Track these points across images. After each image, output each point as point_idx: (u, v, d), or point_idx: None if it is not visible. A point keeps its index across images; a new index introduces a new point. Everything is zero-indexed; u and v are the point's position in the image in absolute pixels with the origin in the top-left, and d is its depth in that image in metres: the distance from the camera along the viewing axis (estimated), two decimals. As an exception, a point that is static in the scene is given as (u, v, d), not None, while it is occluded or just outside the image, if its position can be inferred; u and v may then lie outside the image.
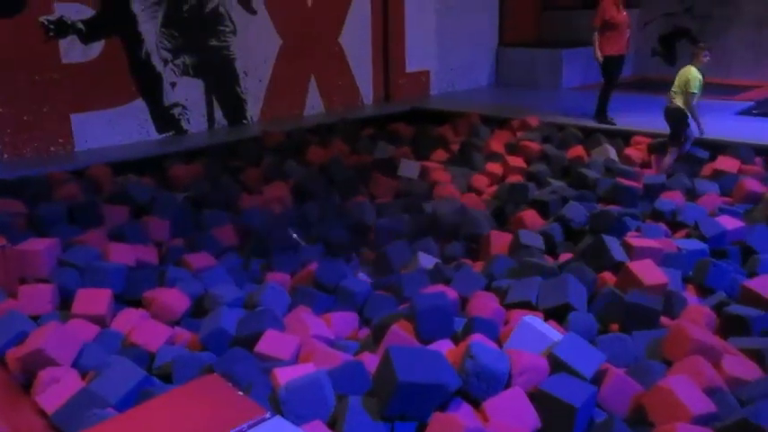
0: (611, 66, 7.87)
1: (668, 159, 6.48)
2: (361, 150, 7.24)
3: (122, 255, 4.39)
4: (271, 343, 3.23)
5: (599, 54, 7.74)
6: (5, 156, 6.54)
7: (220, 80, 8.13)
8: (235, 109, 8.37)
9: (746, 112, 8.22)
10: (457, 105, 9.41)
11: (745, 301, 3.75)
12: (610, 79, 7.92)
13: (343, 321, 3.70)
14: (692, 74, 6.29)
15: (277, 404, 2.59)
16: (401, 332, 3.20)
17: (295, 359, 3.21)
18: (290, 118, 8.75)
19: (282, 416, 2.55)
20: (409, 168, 6.37)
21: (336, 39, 9.34)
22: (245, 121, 8.48)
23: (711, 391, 2.79)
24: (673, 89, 6.44)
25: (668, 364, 3.10)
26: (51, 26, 6.68)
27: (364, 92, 9.89)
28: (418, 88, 10.59)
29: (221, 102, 8.21)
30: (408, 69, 10.40)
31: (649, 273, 3.82)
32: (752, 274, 4.15)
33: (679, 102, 6.37)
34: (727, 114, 7.92)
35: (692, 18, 12.55)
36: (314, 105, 9.21)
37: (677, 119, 6.42)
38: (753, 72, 11.18)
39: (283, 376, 2.78)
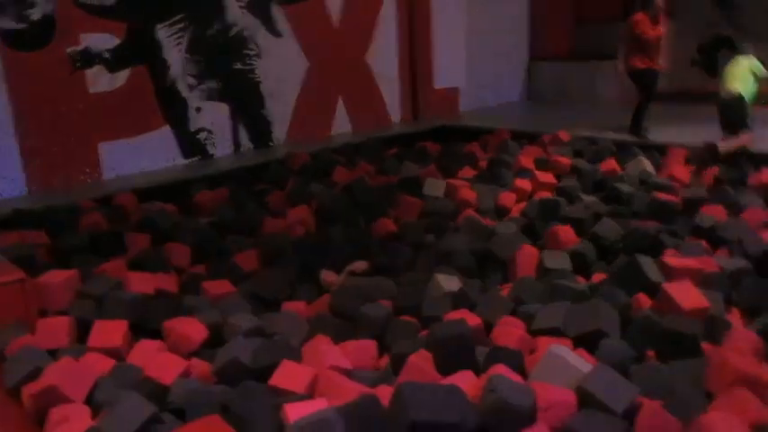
0: (644, 79, 7.69)
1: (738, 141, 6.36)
2: (387, 170, 7.12)
3: (141, 284, 4.33)
4: (285, 376, 3.09)
5: (621, 66, 7.62)
6: (34, 188, 6.60)
7: (246, 104, 8.13)
8: (261, 132, 8.35)
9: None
10: (486, 121, 9.24)
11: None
12: (645, 94, 7.73)
13: (362, 350, 3.54)
14: (753, 61, 6.53)
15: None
16: (419, 364, 3.03)
17: (310, 392, 3.07)
18: (318, 139, 8.70)
19: (289, 458, 2.41)
20: (434, 187, 6.21)
21: (363, 58, 9.28)
22: (271, 144, 8.45)
23: (758, 429, 2.54)
24: (728, 83, 6.43)
25: (710, 396, 2.85)
26: (78, 57, 6.77)
27: (392, 110, 9.80)
28: (447, 105, 10.45)
29: (247, 125, 8.21)
30: (437, 86, 10.29)
31: (689, 295, 3.57)
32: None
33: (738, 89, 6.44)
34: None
35: (732, 27, 12.19)
36: (341, 125, 9.15)
37: (739, 106, 6.42)
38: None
39: (293, 413, 2.64)
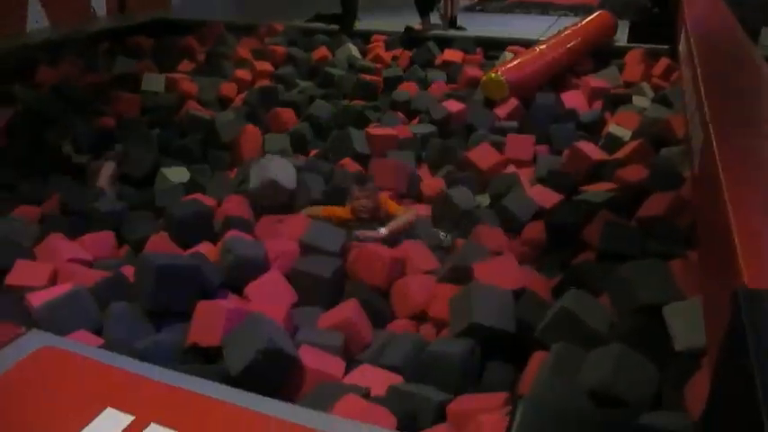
0: None
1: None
2: (98, 67, 6.75)
3: None
4: (21, 272, 3.10)
5: None
6: None
7: None
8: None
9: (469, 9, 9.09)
10: (200, 14, 9.07)
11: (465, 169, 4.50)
12: None
13: (100, 242, 3.63)
14: None
15: (36, 326, 2.57)
16: (160, 241, 3.28)
17: (52, 284, 3.13)
18: (9, 36, 7.74)
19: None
20: (153, 82, 6.13)
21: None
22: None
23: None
24: None
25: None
26: None
27: (96, 2, 9.05)
28: (156, -3, 9.93)
29: None
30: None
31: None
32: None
33: None
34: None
35: None
36: (36, 19, 8.23)
37: None
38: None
39: (39, 299, 2.74)
